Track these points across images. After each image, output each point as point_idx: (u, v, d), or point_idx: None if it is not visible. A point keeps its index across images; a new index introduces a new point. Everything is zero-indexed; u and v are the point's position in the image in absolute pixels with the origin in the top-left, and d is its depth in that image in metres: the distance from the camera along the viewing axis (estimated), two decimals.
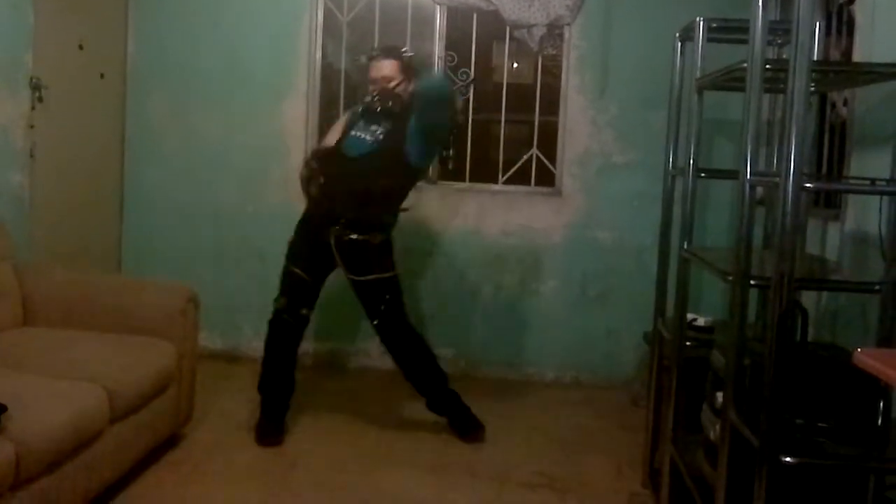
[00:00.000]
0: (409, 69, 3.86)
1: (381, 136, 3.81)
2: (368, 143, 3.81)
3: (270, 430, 3.84)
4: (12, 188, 4.06)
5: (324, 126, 4.90)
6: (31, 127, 4.15)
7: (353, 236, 3.78)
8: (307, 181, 3.81)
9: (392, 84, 3.81)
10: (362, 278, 3.84)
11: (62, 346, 3.31)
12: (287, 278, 3.92)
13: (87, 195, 4.75)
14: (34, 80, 4.14)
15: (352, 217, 3.78)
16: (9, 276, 3.59)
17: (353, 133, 3.87)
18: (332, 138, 3.93)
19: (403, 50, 3.94)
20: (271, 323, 3.96)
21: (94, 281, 3.93)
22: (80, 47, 4.57)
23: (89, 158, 4.77)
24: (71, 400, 2.81)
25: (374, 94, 3.82)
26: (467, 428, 3.99)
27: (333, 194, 3.78)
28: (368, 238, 3.81)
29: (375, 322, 3.92)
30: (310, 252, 3.89)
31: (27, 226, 4.15)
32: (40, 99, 4.18)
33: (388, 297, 3.88)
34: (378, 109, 3.82)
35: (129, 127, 5.12)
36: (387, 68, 3.82)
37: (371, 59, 3.90)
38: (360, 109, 3.96)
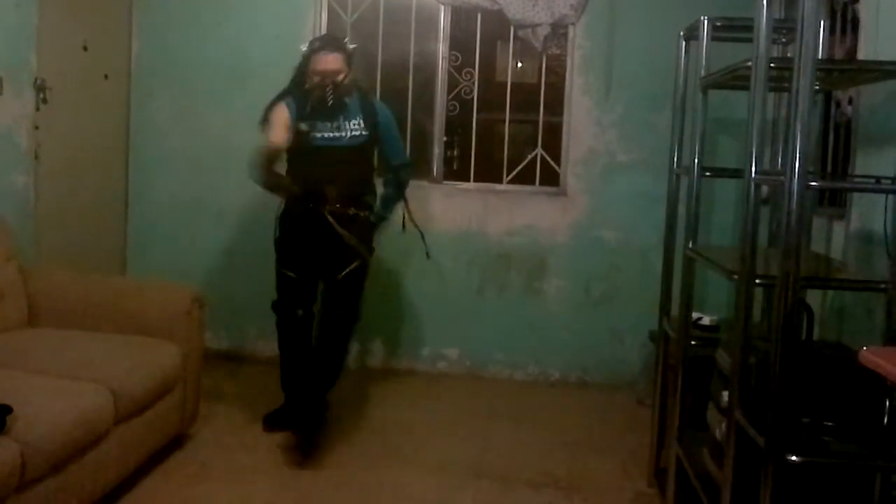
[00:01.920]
0: (351, 59, 3.87)
1: (358, 135, 3.85)
2: (349, 139, 3.84)
3: (273, 418, 3.97)
4: (17, 189, 4.06)
5: None
6: (36, 128, 4.16)
7: (346, 210, 3.78)
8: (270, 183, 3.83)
9: (340, 77, 3.79)
10: (355, 244, 3.77)
11: (67, 346, 3.31)
12: (279, 281, 3.96)
13: (91, 196, 4.76)
14: (38, 81, 4.15)
15: (342, 196, 3.78)
16: (14, 277, 3.59)
17: (315, 134, 3.81)
18: (279, 133, 3.81)
19: (346, 40, 3.94)
20: (276, 325, 3.99)
21: (99, 281, 3.94)
22: (85, 48, 4.57)
23: (94, 159, 4.78)
24: (76, 401, 2.81)
25: (328, 88, 3.76)
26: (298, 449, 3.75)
27: (315, 181, 3.78)
28: (359, 212, 3.85)
29: (328, 287, 3.89)
30: (299, 247, 3.89)
31: (32, 227, 4.16)
32: (45, 100, 4.19)
33: (356, 267, 3.82)
34: (330, 104, 3.78)
35: (134, 127, 5.12)
36: (334, 62, 3.79)
37: (315, 50, 3.83)
38: (304, 102, 3.84)
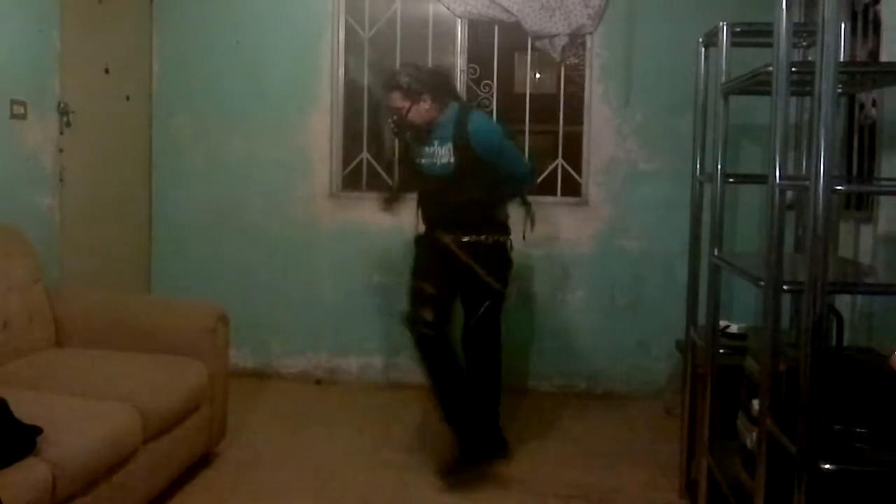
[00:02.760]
0: (413, 91, 3.80)
1: (450, 157, 3.79)
2: (441, 166, 3.81)
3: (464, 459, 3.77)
4: (42, 211, 4.10)
5: (347, 141, 5.05)
6: (60, 151, 4.20)
7: (466, 237, 3.78)
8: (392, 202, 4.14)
9: (402, 113, 3.81)
10: (486, 277, 3.77)
11: (94, 366, 3.34)
12: (412, 292, 3.86)
13: (116, 216, 4.79)
14: (62, 105, 4.19)
15: (461, 222, 3.79)
16: (41, 298, 3.62)
17: (421, 162, 3.89)
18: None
19: (399, 73, 3.89)
20: (414, 342, 3.82)
21: (125, 301, 3.97)
22: (106, 71, 4.62)
23: (117, 180, 4.82)
24: (104, 420, 2.82)
25: (392, 125, 3.91)
26: (488, 450, 3.83)
27: (438, 211, 3.87)
28: (479, 238, 3.79)
29: (471, 324, 3.86)
30: (432, 265, 3.85)
31: (58, 248, 4.19)
32: (68, 123, 4.23)
33: (489, 305, 3.82)
34: (395, 133, 4.00)
35: (156, 148, 5.17)
36: (392, 100, 3.85)
37: (383, 90, 4.00)
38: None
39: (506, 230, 3.89)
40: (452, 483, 3.60)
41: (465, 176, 3.76)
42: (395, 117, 3.83)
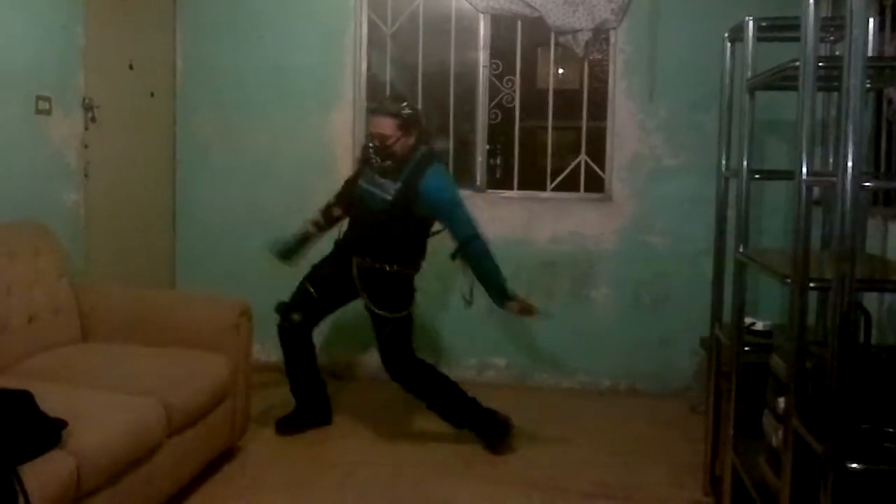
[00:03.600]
0: (409, 125, 3.81)
1: (390, 196, 3.83)
2: (379, 199, 3.86)
3: (287, 421, 4.09)
4: (68, 207, 4.13)
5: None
6: (85, 146, 4.23)
7: (371, 264, 3.89)
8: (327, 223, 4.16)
9: (389, 142, 3.78)
10: (376, 310, 3.94)
11: (119, 361, 3.36)
12: (298, 289, 4.08)
13: (140, 212, 4.83)
14: (87, 101, 4.22)
15: (372, 251, 3.90)
16: (66, 293, 3.65)
17: (363, 185, 3.94)
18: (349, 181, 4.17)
19: (404, 106, 3.85)
20: (278, 330, 4.09)
21: (149, 296, 3.99)
22: (131, 67, 4.65)
23: (142, 176, 4.85)
24: (129, 414, 2.84)
25: (371, 149, 3.83)
26: (495, 435, 3.97)
27: (356, 234, 3.99)
28: (384, 266, 3.88)
29: (382, 357, 4.02)
30: (329, 274, 4.03)
31: (83, 243, 4.23)
32: (93, 119, 4.26)
33: (391, 334, 3.95)
34: (373, 163, 3.85)
35: (180, 143, 5.20)
36: (382, 126, 3.79)
37: (371, 111, 3.97)
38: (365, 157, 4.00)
39: (414, 264, 3.98)
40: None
41: (394, 221, 3.85)
42: (377, 143, 3.79)
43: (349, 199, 4.06)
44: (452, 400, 4.01)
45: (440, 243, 4.00)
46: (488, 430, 3.97)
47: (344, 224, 4.11)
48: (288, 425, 4.08)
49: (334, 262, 4.03)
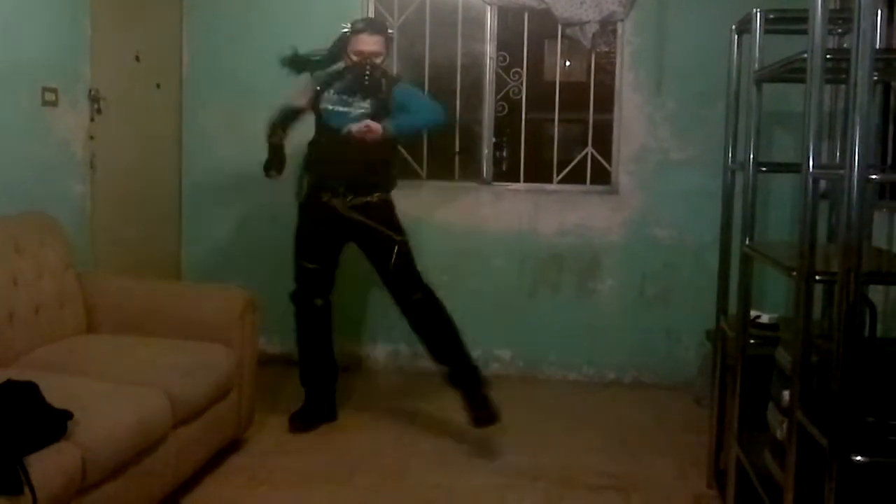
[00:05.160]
0: (390, 41, 3.95)
1: (365, 114, 3.83)
2: (352, 118, 3.83)
3: (304, 417, 4.01)
4: (74, 198, 4.14)
5: None
6: (91, 138, 4.23)
7: (362, 200, 3.88)
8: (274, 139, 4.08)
9: (379, 59, 3.84)
10: (385, 231, 3.89)
11: (125, 352, 3.36)
12: (297, 271, 4.04)
13: (146, 203, 4.83)
14: (93, 92, 4.22)
15: (349, 183, 3.88)
16: (72, 284, 3.66)
17: (328, 106, 3.91)
18: (300, 96, 4.02)
19: (388, 24, 4.00)
20: (295, 315, 4.08)
21: (155, 287, 4.00)
22: (137, 59, 4.64)
23: (148, 167, 4.85)
24: (135, 405, 2.85)
25: (366, 67, 3.81)
26: (481, 413, 3.83)
27: (327, 164, 3.91)
28: (368, 199, 3.89)
29: (388, 280, 3.96)
30: (315, 237, 3.99)
31: (89, 234, 4.23)
32: (99, 111, 4.26)
33: (400, 259, 3.90)
34: (366, 83, 3.83)
35: (186, 135, 5.19)
36: (375, 43, 3.85)
37: (358, 31, 3.90)
38: (331, 78, 3.95)
39: (388, 188, 3.99)
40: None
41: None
42: (372, 61, 3.82)
43: (319, 130, 3.99)
44: (455, 341, 3.96)
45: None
46: (475, 392, 3.86)
47: (307, 175, 4.04)
48: (303, 422, 4.01)
49: (313, 222, 3.99)
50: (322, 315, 4.07)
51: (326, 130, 3.92)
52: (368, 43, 3.84)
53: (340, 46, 3.93)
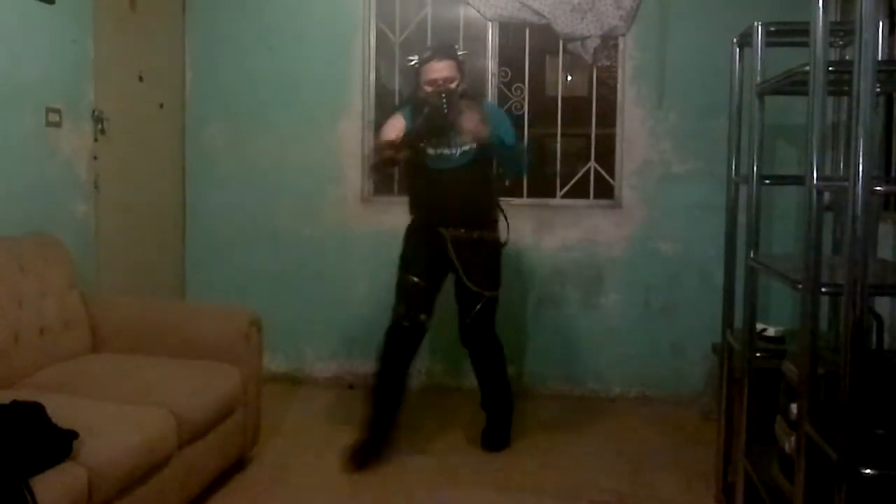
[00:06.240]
0: (461, 65, 3.82)
1: (467, 151, 3.79)
2: (459, 156, 3.80)
3: (368, 447, 3.82)
4: (78, 218, 4.14)
5: None
6: (95, 158, 4.24)
7: (466, 234, 3.84)
8: (379, 168, 4.00)
9: (454, 85, 3.72)
10: (473, 287, 3.86)
11: (130, 372, 3.36)
12: (403, 286, 3.89)
13: (150, 222, 4.84)
14: (96, 113, 4.23)
15: (460, 217, 3.84)
16: (77, 304, 3.66)
17: (440, 152, 3.81)
18: (392, 131, 3.75)
19: (456, 47, 3.91)
20: (389, 331, 3.89)
21: (159, 307, 4.00)
22: (140, 79, 4.66)
23: (151, 187, 4.86)
24: (140, 425, 2.84)
25: (443, 97, 3.64)
26: (498, 439, 4.04)
27: (438, 204, 3.86)
28: (482, 234, 3.87)
29: (462, 323, 3.97)
30: (424, 257, 3.89)
31: (93, 254, 4.23)
32: (103, 131, 4.27)
33: (480, 311, 3.90)
34: (445, 111, 3.62)
35: (189, 154, 5.20)
36: (446, 69, 3.73)
37: (426, 60, 3.78)
38: (411, 114, 3.83)
39: (494, 224, 3.95)
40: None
41: (478, 163, 3.79)
42: (447, 87, 3.69)
43: (422, 171, 3.88)
44: (505, 387, 4.09)
45: None
46: (502, 421, 4.07)
47: (416, 207, 3.99)
48: (367, 453, 3.80)
49: (420, 243, 3.91)
50: (416, 334, 3.88)
51: (429, 172, 3.86)
52: (439, 70, 3.72)
53: (414, 82, 3.88)
